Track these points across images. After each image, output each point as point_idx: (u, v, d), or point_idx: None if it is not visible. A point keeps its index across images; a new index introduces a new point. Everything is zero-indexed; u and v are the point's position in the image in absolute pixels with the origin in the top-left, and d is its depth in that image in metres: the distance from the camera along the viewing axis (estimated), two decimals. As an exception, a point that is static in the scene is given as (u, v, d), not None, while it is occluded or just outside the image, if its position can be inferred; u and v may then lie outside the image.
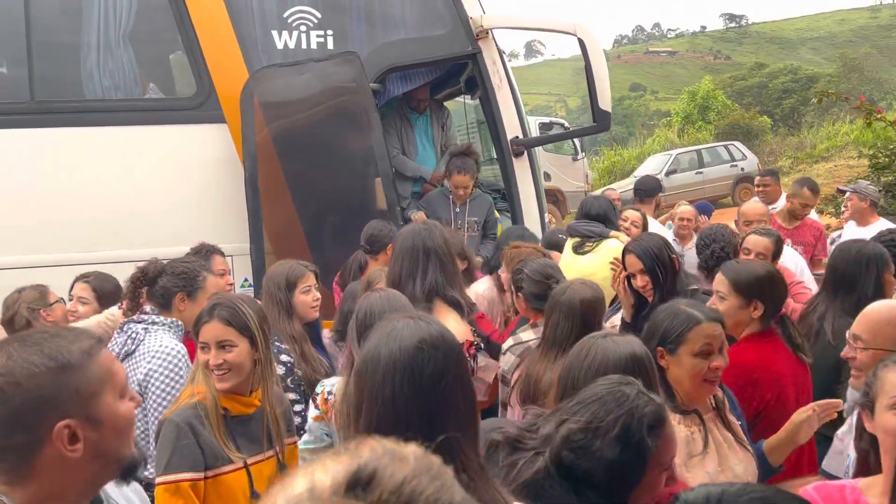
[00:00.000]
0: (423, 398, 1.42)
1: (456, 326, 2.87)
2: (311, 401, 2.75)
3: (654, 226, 5.81)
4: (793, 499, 1.12)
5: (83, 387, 1.29)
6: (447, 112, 6.33)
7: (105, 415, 1.31)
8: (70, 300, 3.70)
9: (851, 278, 3.10)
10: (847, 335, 2.30)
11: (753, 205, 5.50)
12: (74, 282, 3.73)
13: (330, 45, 5.27)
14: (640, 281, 3.25)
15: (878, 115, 9.71)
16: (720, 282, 2.85)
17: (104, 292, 3.65)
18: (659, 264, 3.23)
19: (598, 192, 8.17)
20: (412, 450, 0.66)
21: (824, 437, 2.54)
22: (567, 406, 1.64)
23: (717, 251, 4.03)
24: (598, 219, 4.50)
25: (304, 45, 5.23)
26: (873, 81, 45.51)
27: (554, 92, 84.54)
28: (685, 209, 5.91)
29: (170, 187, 5.03)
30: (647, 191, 6.55)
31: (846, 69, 44.36)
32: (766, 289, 2.77)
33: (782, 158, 23.31)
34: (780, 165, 21.38)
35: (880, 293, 3.02)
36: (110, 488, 1.48)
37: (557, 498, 1.53)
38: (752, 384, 2.61)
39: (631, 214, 5.24)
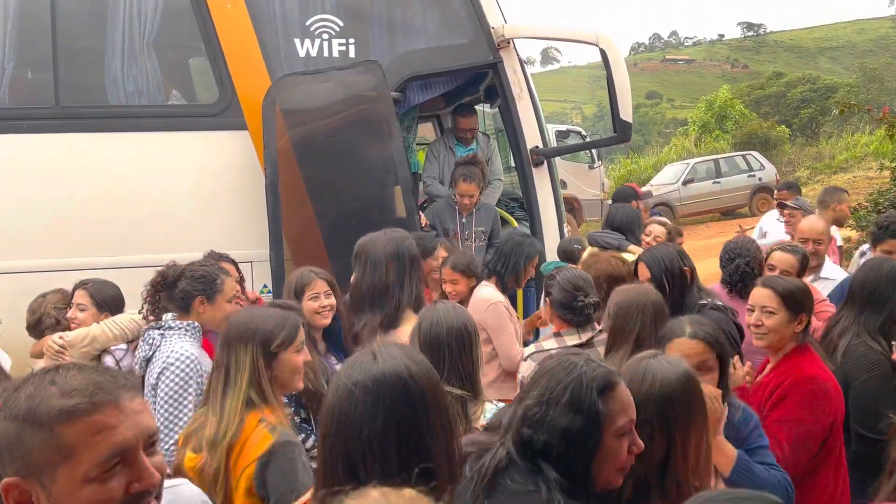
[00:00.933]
0: (346, 443, 1.39)
1: None
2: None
3: None
4: (768, 500, 1.15)
5: (36, 450, 1.13)
6: (494, 146, 6.34)
7: (58, 490, 1.14)
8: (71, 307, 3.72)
9: (882, 297, 3.06)
10: None
11: (816, 222, 4.82)
12: (74, 289, 3.75)
13: (352, 54, 5.29)
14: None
15: (901, 128, 9.60)
16: (768, 297, 2.87)
17: (102, 298, 3.66)
18: (668, 275, 3.28)
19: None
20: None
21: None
22: (524, 388, 1.68)
23: (742, 266, 3.91)
24: (620, 229, 4.47)
25: (325, 54, 5.25)
26: (893, 91, 45.08)
27: (570, 99, 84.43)
28: (658, 228, 5.56)
29: (191, 193, 5.06)
30: (624, 199, 6.42)
31: (866, 79, 44.02)
32: (808, 303, 2.89)
33: (800, 169, 23.14)
34: (798, 176, 21.21)
35: None
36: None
37: (519, 485, 1.53)
38: (826, 395, 2.65)
39: (654, 229, 5.16)
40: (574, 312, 3.27)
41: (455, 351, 2.41)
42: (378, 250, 3.10)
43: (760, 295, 2.90)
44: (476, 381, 2.47)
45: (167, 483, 1.44)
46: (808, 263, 4.05)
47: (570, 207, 15.83)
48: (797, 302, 2.83)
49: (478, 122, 6.16)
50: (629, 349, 2.65)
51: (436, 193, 5.96)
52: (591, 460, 1.56)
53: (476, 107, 7.40)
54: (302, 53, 5.23)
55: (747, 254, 3.98)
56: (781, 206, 5.92)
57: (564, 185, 16.37)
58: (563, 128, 19.27)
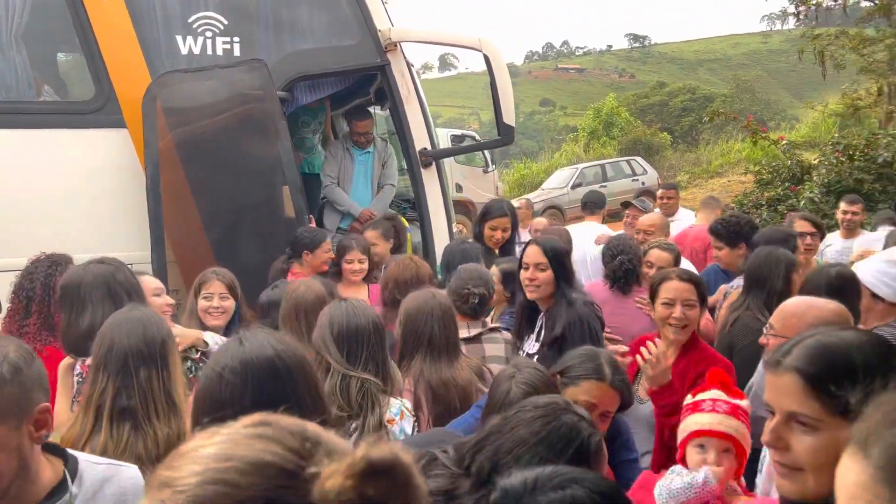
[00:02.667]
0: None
1: None
2: None
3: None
4: (598, 478, 1.19)
5: None
6: (391, 150, 6.36)
7: None
8: None
9: (763, 277, 3.51)
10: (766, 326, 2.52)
11: (652, 216, 5.80)
12: None
13: (237, 52, 5.23)
14: (532, 274, 3.32)
15: (763, 135, 10.42)
16: (688, 290, 3.03)
17: None
18: (558, 258, 3.36)
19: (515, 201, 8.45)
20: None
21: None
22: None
23: (624, 262, 4.05)
24: None
25: (209, 51, 5.17)
26: (763, 102, 48.50)
27: (467, 105, 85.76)
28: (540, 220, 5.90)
29: (66, 194, 4.84)
30: (596, 203, 6.70)
31: (739, 90, 47.07)
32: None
33: (680, 173, 24.49)
34: (679, 180, 22.46)
35: (788, 290, 3.38)
36: None
37: None
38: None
39: (536, 222, 5.26)
40: (461, 300, 3.38)
41: (373, 340, 2.46)
42: (85, 291, 2.62)
43: (681, 288, 3.02)
44: (388, 374, 2.51)
45: (111, 462, 1.52)
46: (680, 261, 4.36)
47: (465, 210, 16.13)
48: (704, 293, 3.13)
49: (373, 125, 6.17)
50: (423, 355, 2.75)
51: (336, 201, 5.94)
52: None
53: (370, 109, 7.47)
54: (184, 51, 5.12)
55: (629, 251, 4.13)
56: (625, 205, 6.36)
57: (460, 188, 16.69)
58: (458, 132, 19.62)
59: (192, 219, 5.09)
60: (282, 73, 5.26)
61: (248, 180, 5.15)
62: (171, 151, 4.97)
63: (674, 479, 2.07)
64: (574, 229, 6.01)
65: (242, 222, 5.14)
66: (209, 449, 0.69)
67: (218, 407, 1.41)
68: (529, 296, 3.36)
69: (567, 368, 2.32)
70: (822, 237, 5.21)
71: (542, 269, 3.29)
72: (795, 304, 2.46)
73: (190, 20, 5.12)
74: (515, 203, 7.21)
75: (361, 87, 6.45)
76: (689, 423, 2.13)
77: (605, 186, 20.78)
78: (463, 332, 3.32)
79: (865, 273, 3.02)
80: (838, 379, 1.20)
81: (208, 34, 5.17)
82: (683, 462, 2.13)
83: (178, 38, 5.10)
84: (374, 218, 5.62)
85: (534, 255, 3.33)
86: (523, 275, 3.36)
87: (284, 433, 0.69)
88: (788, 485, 1.26)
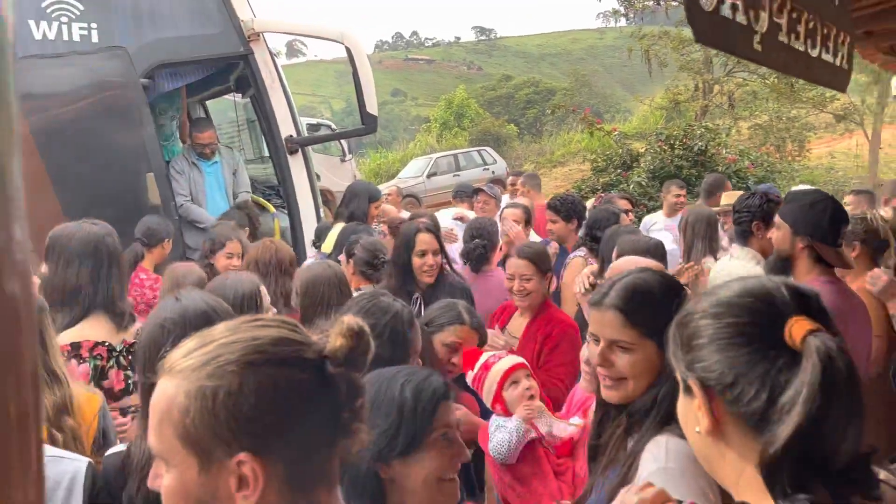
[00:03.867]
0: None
1: None
2: None
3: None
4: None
5: None
6: (238, 158, 6.25)
7: None
8: None
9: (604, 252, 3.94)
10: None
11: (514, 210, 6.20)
12: None
13: (94, 39, 5.16)
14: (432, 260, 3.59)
15: (598, 126, 11.42)
16: (524, 266, 3.37)
17: None
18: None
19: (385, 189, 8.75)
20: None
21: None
22: None
23: (479, 245, 4.32)
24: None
25: (65, 37, 5.07)
26: (600, 96, 51.80)
27: (318, 93, 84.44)
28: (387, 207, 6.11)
29: None
30: (469, 193, 7.06)
31: (578, 84, 49.96)
32: (549, 264, 3.63)
33: (527, 163, 25.82)
34: (525, 169, 23.64)
35: None
36: None
37: None
38: (580, 337, 3.17)
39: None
40: (374, 269, 3.68)
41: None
42: (72, 246, 2.71)
43: (519, 264, 3.38)
44: None
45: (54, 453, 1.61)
46: (531, 225, 4.89)
47: (324, 199, 16.18)
48: (544, 263, 3.44)
49: (215, 135, 5.96)
50: (324, 320, 2.95)
51: (197, 219, 5.65)
52: None
53: (227, 97, 7.49)
54: (38, 36, 4.99)
55: (487, 236, 4.44)
56: (476, 192, 6.90)
57: (318, 177, 16.69)
58: (313, 121, 19.53)
59: (52, 207, 4.99)
60: (143, 60, 5.27)
61: (111, 167, 5.12)
62: (27, 139, 4.85)
63: (496, 436, 2.38)
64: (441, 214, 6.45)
65: (106, 211, 5.08)
66: (228, 338, 0.95)
67: (163, 354, 1.64)
68: (427, 280, 3.54)
69: (431, 319, 2.69)
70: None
71: (437, 254, 3.56)
72: (625, 261, 3.00)
73: (44, 5, 5.00)
74: (385, 190, 7.50)
75: (220, 75, 6.51)
76: (494, 374, 2.46)
77: (458, 175, 21.55)
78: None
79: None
80: (646, 311, 1.62)
81: (63, 19, 5.07)
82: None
83: (31, 23, 4.97)
84: None
85: (431, 242, 3.57)
86: (420, 262, 3.54)
87: (274, 321, 1.01)
88: (615, 392, 1.65)
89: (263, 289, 2.72)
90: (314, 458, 0.95)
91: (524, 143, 30.75)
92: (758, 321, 0.98)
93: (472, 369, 2.53)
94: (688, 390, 1.02)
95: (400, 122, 64.85)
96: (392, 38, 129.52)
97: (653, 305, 1.61)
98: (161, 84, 5.63)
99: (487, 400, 2.50)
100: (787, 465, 0.90)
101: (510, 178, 7.94)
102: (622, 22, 21.10)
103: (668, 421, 1.51)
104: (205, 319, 1.67)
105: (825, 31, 2.23)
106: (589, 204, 7.17)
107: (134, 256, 4.47)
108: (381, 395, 1.51)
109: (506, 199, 7.64)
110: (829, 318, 0.98)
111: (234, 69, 6.16)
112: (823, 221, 2.67)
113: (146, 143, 5.12)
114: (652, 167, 10.27)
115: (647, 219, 6.93)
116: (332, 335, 0.97)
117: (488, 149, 23.58)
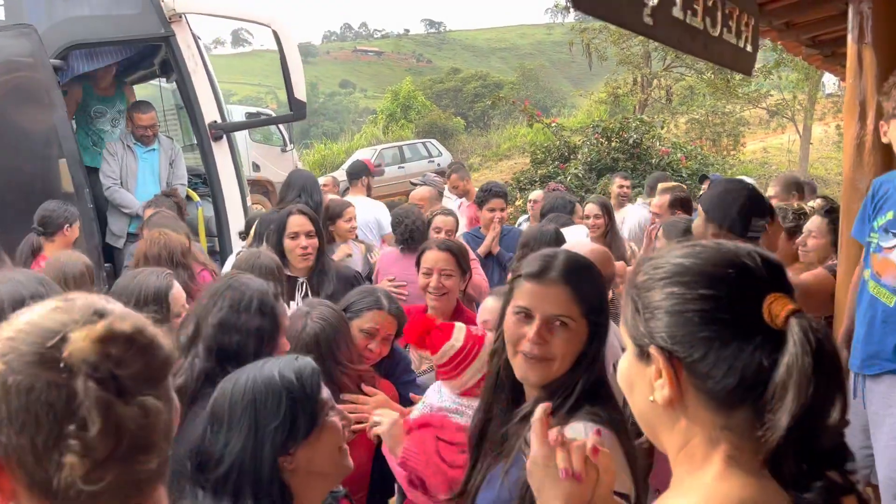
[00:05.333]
0: None
1: None
2: None
3: (365, 204, 6.18)
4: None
5: None
6: (178, 148, 6.07)
7: None
8: None
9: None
10: None
11: (421, 190, 6.17)
12: None
13: (1, 16, 4.90)
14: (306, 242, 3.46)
15: (538, 118, 11.45)
16: (445, 259, 3.10)
17: None
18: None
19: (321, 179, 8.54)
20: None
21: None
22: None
23: (409, 225, 4.38)
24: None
25: (-33, 14, 4.80)
26: (546, 90, 52.27)
27: (265, 83, 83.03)
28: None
29: None
30: (355, 174, 6.92)
31: (525, 78, 50.32)
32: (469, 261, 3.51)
33: (473, 156, 25.89)
34: (471, 162, 23.75)
35: None
36: None
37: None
38: None
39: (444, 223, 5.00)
40: None
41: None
42: None
43: (439, 258, 3.08)
44: None
45: None
46: (458, 225, 4.84)
47: (263, 190, 15.86)
48: (466, 260, 3.14)
49: (156, 118, 5.80)
50: None
51: (122, 204, 5.51)
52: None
53: (153, 82, 7.22)
54: (-63, 11, 4.71)
55: (412, 215, 4.49)
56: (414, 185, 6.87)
57: (258, 167, 16.37)
58: (253, 110, 19.14)
59: (-46, 194, 4.73)
60: (54, 40, 5.02)
61: (19, 152, 4.87)
62: (-76, 120, 4.57)
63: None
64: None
65: (14, 198, 4.84)
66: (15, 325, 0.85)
67: None
68: (302, 263, 3.36)
69: (350, 305, 2.60)
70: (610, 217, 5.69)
71: (311, 236, 3.37)
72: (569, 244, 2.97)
73: (-58, -22, 4.71)
74: (322, 180, 7.34)
75: (145, 58, 6.27)
76: None
77: (402, 167, 21.43)
78: None
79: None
80: (589, 288, 1.58)
81: (-35, -5, 4.79)
82: None
83: (-71, -2, 4.68)
84: None
85: (304, 223, 3.38)
86: (293, 244, 3.36)
87: (75, 305, 0.89)
88: (538, 372, 1.56)
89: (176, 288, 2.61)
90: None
91: (471, 136, 30.79)
92: (734, 295, 0.92)
93: (442, 346, 2.22)
94: (643, 356, 0.97)
95: (348, 114, 64.23)
96: (340, 28, 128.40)
97: (595, 284, 1.57)
98: (75, 65, 5.38)
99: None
100: (790, 450, 0.88)
101: (451, 176, 7.82)
102: (570, 17, 21.32)
103: (578, 407, 1.47)
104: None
105: (727, 10, 2.21)
106: (534, 195, 7.19)
107: (30, 247, 4.25)
108: (259, 391, 1.44)
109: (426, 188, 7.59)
110: (793, 291, 0.95)
111: (158, 52, 5.93)
112: (733, 211, 2.67)
113: (58, 128, 4.87)
114: (589, 159, 10.37)
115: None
116: (77, 335, 0.83)
117: (434, 141, 23.50)
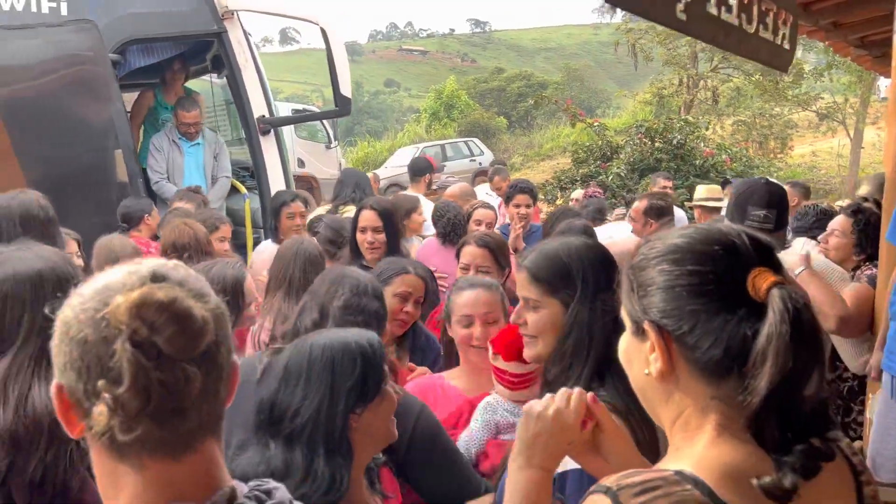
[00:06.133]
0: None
1: None
2: None
3: (424, 201, 6.28)
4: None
5: None
6: (222, 142, 6.24)
7: None
8: None
9: None
10: None
11: (452, 188, 6.23)
12: None
13: (64, 12, 5.12)
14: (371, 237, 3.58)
15: (581, 118, 11.43)
16: (482, 255, 3.14)
17: None
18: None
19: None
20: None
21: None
22: None
23: (451, 219, 4.47)
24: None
25: (33, 9, 5.03)
26: (591, 91, 51.81)
27: (311, 81, 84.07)
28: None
29: None
30: (417, 171, 7.02)
31: (570, 78, 49.95)
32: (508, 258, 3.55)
33: (514, 156, 25.86)
34: (513, 162, 23.75)
35: None
36: None
37: None
38: None
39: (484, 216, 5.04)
40: (338, 246, 3.73)
41: None
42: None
43: (476, 254, 3.13)
44: None
45: None
46: (497, 219, 4.91)
47: (308, 186, 16.13)
48: (504, 256, 3.19)
49: (200, 115, 5.98)
50: (284, 294, 3.03)
51: (168, 198, 5.53)
52: None
53: (204, 77, 7.45)
54: (5, 7, 4.95)
55: (453, 209, 4.58)
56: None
57: (302, 163, 16.65)
58: (300, 107, 19.47)
59: (17, 183, 4.95)
60: (113, 35, 5.23)
61: (78, 143, 5.08)
62: (-7, 112, 4.81)
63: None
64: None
65: (72, 187, 5.06)
66: None
67: None
68: (370, 257, 3.47)
69: (380, 273, 2.74)
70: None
71: (378, 231, 3.52)
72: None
73: (12, -24, 4.95)
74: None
75: (197, 54, 6.48)
76: None
77: (444, 166, 21.55)
78: None
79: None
80: (549, 270, 1.67)
81: (32, -9, 5.02)
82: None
83: (-2, -6, 4.92)
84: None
85: (371, 218, 3.55)
86: (361, 238, 3.55)
87: (139, 270, 0.97)
88: (529, 350, 1.71)
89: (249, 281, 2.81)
90: None
91: (513, 135, 30.74)
92: (720, 270, 0.97)
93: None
94: (639, 332, 1.03)
95: (392, 113, 64.66)
96: (386, 28, 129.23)
97: (557, 265, 1.66)
98: (131, 60, 5.60)
99: None
100: (771, 416, 0.92)
101: (493, 178, 7.88)
102: (617, 17, 21.17)
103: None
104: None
105: (763, 7, 2.23)
106: (576, 194, 7.22)
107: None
108: (337, 352, 1.56)
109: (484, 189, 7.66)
110: (784, 270, 0.99)
111: (210, 48, 6.12)
112: (732, 201, 2.74)
113: (114, 119, 5.08)
114: (632, 159, 10.31)
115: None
116: (117, 301, 0.89)
117: (476, 140, 23.55)
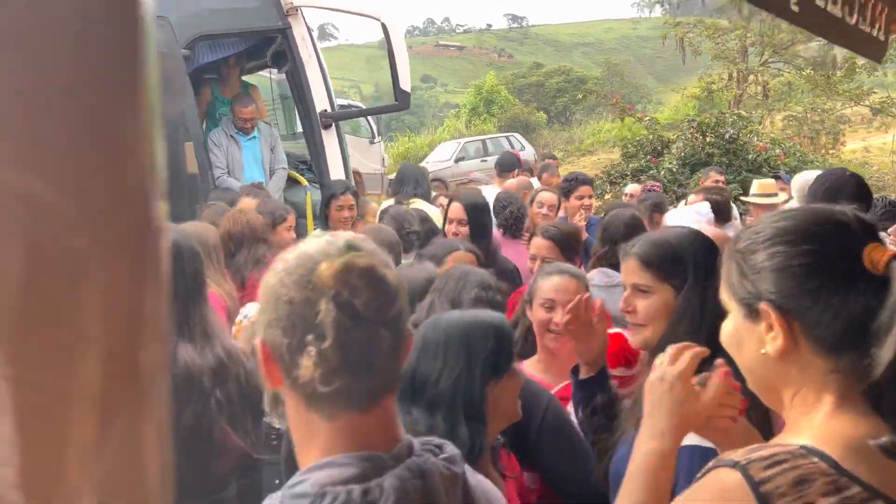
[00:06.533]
0: None
1: None
2: None
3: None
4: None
5: None
6: (276, 134, 6.32)
7: None
8: None
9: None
10: None
11: (511, 182, 6.34)
12: None
13: (138, 8, 5.29)
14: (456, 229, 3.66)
15: (630, 112, 11.39)
16: (547, 248, 3.19)
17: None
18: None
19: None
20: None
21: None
22: None
23: (514, 212, 4.51)
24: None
25: (110, 6, 5.20)
26: (631, 86, 51.24)
27: (348, 77, 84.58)
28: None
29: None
30: (505, 166, 7.06)
31: (610, 73, 49.51)
32: (579, 247, 3.65)
33: (555, 151, 25.71)
34: (556, 155, 23.65)
35: None
36: None
37: None
38: None
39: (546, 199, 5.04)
40: (401, 239, 3.77)
41: None
42: None
43: (541, 245, 3.19)
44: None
45: None
46: (560, 204, 4.97)
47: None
48: (571, 247, 3.24)
49: (256, 111, 6.06)
50: None
51: (231, 188, 5.64)
52: None
53: (262, 72, 7.60)
54: (84, 4, 5.13)
55: (516, 201, 4.64)
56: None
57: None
58: (343, 102, 19.62)
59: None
60: (185, 30, 5.38)
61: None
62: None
63: None
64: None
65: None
66: None
67: None
68: None
69: (432, 256, 2.93)
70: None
71: (462, 224, 3.62)
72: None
73: (90, -26, 5.13)
74: None
75: (257, 49, 6.62)
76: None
77: (485, 161, 21.56)
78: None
79: None
80: (660, 256, 1.72)
81: (109, -11, 5.19)
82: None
83: (78, -8, 5.10)
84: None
85: (456, 211, 3.68)
86: (448, 228, 3.70)
87: (337, 240, 1.07)
88: (636, 337, 1.76)
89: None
90: None
91: (553, 130, 30.61)
92: (835, 248, 1.02)
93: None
94: (752, 314, 1.06)
95: (429, 108, 64.82)
96: (423, 23, 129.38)
97: (667, 251, 1.70)
98: (201, 55, 5.76)
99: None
100: (891, 385, 0.95)
101: (543, 174, 7.88)
102: (657, 12, 20.96)
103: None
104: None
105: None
106: (630, 189, 7.19)
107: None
108: (471, 325, 1.64)
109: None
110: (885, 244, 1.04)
111: (272, 43, 6.26)
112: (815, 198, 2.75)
113: (185, 113, 5.24)
114: (683, 154, 10.24)
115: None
116: (329, 262, 1.01)
117: (517, 135, 23.51)
